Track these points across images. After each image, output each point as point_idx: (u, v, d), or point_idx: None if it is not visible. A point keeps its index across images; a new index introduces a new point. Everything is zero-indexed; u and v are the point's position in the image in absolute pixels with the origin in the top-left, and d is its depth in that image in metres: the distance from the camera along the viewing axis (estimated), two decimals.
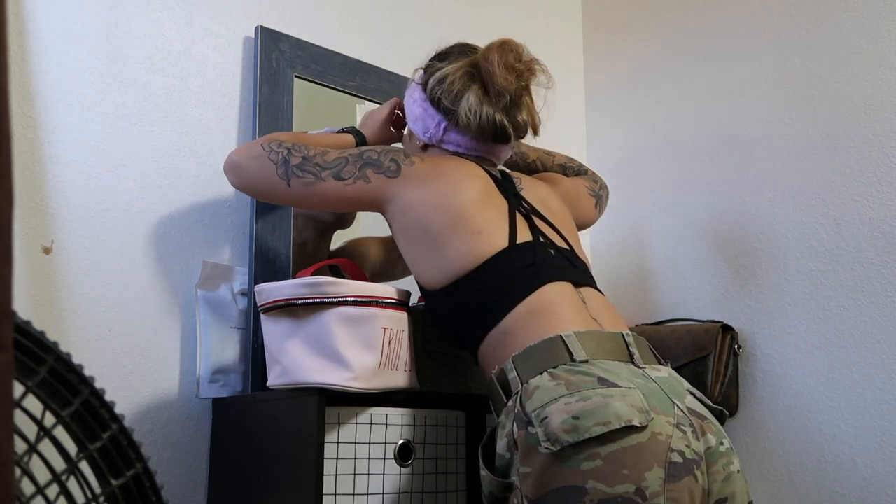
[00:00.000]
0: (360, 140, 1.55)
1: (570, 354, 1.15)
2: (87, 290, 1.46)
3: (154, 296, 1.53)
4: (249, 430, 1.43)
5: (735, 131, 2.04)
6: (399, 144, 1.62)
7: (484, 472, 1.17)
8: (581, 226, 1.66)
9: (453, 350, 1.50)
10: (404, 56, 1.98)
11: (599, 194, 1.74)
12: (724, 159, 2.04)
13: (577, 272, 1.33)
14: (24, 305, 1.36)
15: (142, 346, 1.50)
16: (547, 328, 1.20)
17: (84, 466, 1.04)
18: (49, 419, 1.00)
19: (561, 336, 1.17)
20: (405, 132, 1.57)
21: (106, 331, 1.47)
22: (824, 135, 1.87)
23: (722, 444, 1.15)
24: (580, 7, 2.49)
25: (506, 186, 1.41)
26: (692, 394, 1.20)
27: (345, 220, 1.71)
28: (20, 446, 0.95)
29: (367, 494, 1.30)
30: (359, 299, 1.31)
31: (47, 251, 1.42)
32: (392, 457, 1.34)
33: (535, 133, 1.48)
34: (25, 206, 1.41)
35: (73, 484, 1.02)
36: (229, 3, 1.73)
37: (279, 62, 1.71)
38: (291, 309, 1.33)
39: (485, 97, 1.40)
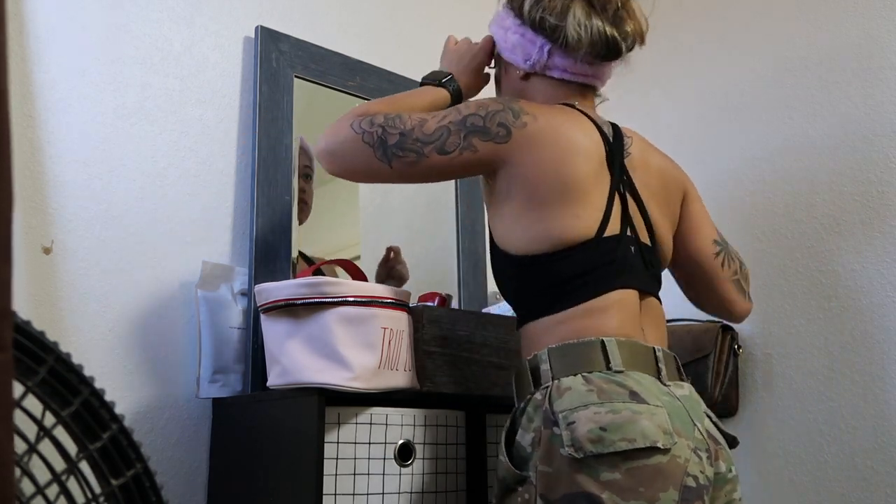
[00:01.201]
0: (455, 90, 1.40)
1: (607, 361, 1.14)
2: (87, 290, 1.46)
3: (154, 296, 1.53)
4: (249, 430, 1.43)
5: (735, 131, 2.04)
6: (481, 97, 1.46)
7: (503, 457, 1.17)
8: (690, 270, 1.45)
9: (453, 350, 1.50)
10: (404, 56, 1.98)
11: (733, 260, 1.48)
12: (724, 159, 2.04)
13: (647, 277, 1.28)
14: (24, 305, 1.36)
15: (142, 346, 1.50)
16: (591, 329, 1.18)
17: (84, 466, 1.04)
18: (49, 419, 1.00)
19: (602, 340, 1.16)
20: (500, 68, 1.43)
21: (106, 331, 1.47)
22: (824, 135, 1.87)
23: (730, 470, 1.16)
24: None
25: (614, 154, 1.30)
26: (708, 416, 1.20)
27: (300, 221, 1.72)
28: (20, 446, 0.95)
29: (367, 494, 1.30)
30: (359, 299, 1.31)
31: (47, 251, 1.42)
32: (392, 457, 1.34)
33: (642, 42, 1.34)
34: (25, 206, 1.41)
35: (73, 484, 1.02)
36: (229, 3, 1.73)
37: (279, 62, 1.71)
38: (291, 309, 1.33)
39: (591, 9, 1.28)
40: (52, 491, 1.01)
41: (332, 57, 1.81)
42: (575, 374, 1.13)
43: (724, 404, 1.86)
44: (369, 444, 1.32)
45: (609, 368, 1.14)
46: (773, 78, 1.98)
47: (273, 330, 1.36)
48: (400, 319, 1.37)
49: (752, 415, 1.89)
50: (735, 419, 1.90)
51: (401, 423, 1.36)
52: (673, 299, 2.11)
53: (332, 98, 1.80)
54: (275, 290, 1.35)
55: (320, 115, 1.79)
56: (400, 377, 1.35)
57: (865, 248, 1.77)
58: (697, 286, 1.48)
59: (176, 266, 1.57)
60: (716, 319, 1.96)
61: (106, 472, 1.03)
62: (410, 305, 1.42)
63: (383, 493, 1.32)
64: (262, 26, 1.71)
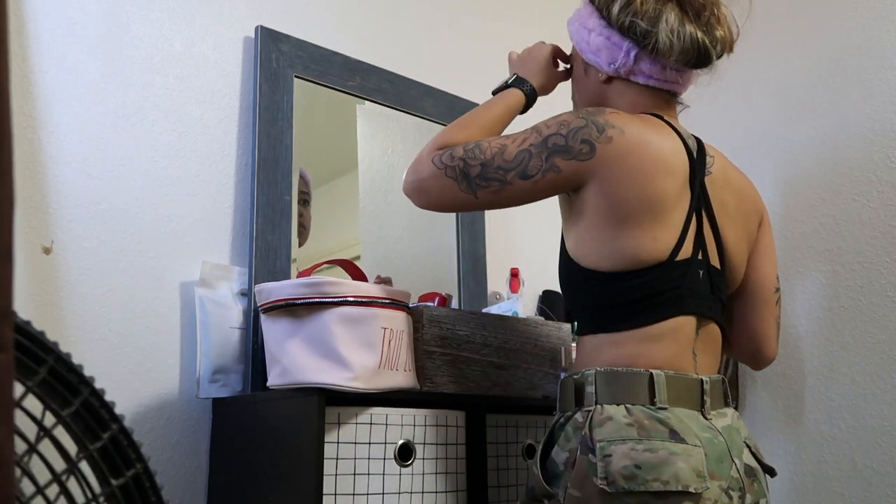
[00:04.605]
0: (530, 91, 1.39)
1: (652, 396, 1.14)
2: (87, 290, 1.46)
3: (154, 296, 1.53)
4: (249, 430, 1.43)
5: (736, 130, 2.04)
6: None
7: (535, 469, 1.17)
8: (746, 297, 1.38)
9: (453, 350, 1.50)
10: (404, 56, 1.98)
11: (780, 304, 1.45)
12: None
13: (711, 302, 1.25)
14: (24, 305, 1.36)
15: (142, 346, 1.50)
16: (642, 358, 1.17)
17: (84, 466, 1.04)
18: (49, 419, 1.00)
19: (652, 374, 1.15)
20: (579, 69, 1.38)
21: (106, 331, 1.47)
22: (824, 135, 1.87)
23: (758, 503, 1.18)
24: None
25: (696, 172, 1.26)
26: (748, 445, 1.21)
27: (299, 243, 1.70)
28: (20, 446, 0.95)
29: (367, 494, 1.30)
30: (359, 299, 1.31)
31: (47, 251, 1.42)
32: (392, 457, 1.34)
33: (731, 50, 1.31)
34: (25, 206, 1.41)
35: (73, 484, 1.02)
36: (229, 3, 1.73)
37: (279, 62, 1.71)
38: (291, 309, 1.33)
39: (684, 15, 1.24)
40: (52, 491, 1.01)
41: (332, 57, 1.81)
42: (618, 404, 1.13)
43: None
44: (369, 444, 1.32)
45: (653, 403, 1.13)
46: (772, 78, 1.98)
47: (273, 330, 1.36)
48: (400, 319, 1.37)
49: (752, 415, 1.89)
50: None
51: (401, 423, 1.36)
52: None
53: (332, 98, 1.80)
54: (275, 289, 1.35)
55: (320, 115, 1.79)
56: (400, 377, 1.35)
57: (865, 247, 1.77)
58: (746, 316, 1.39)
59: (176, 266, 1.57)
60: None
61: (106, 472, 1.03)
62: (410, 305, 1.42)
63: (383, 493, 1.32)
64: (262, 26, 1.71)
